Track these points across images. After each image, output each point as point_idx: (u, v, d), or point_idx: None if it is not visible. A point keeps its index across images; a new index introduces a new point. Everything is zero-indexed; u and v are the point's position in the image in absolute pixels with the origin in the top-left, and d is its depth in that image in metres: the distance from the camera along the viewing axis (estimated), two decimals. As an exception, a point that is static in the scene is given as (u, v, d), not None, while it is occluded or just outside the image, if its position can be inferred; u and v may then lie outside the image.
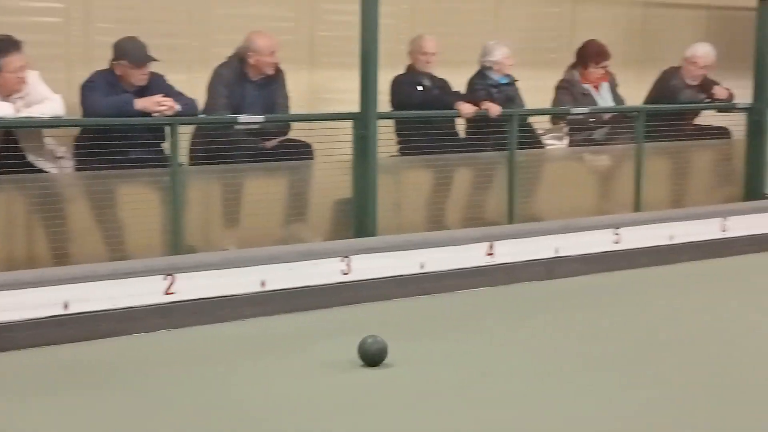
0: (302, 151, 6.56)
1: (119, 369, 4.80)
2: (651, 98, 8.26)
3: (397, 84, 7.22)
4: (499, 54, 7.46)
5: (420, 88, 7.20)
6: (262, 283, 5.77)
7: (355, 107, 6.48)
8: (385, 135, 6.81)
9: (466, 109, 7.04)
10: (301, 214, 6.51)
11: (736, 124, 8.26)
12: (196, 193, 6.19)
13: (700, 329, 5.56)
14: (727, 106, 8.25)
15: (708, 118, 8.42)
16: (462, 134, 7.43)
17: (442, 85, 7.34)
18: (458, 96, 7.22)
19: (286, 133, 6.67)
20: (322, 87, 7.64)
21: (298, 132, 6.68)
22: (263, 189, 6.35)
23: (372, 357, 4.74)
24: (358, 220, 6.50)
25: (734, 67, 8.38)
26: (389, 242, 6.35)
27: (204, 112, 6.45)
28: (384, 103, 6.94)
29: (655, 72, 8.36)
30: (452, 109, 7.06)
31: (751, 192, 8.18)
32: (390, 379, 4.63)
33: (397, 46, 7.74)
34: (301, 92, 7.39)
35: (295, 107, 6.91)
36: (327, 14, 7.63)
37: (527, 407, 4.27)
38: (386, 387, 4.53)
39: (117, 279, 5.38)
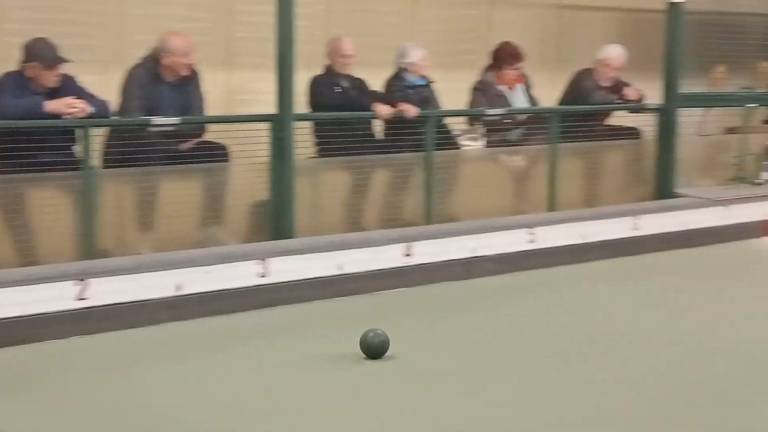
0: (218, 153, 6.50)
1: (30, 377, 4.70)
2: (564, 99, 8.39)
3: (315, 84, 7.21)
4: (415, 55, 7.51)
5: (338, 89, 7.21)
6: (178, 287, 5.71)
7: (271, 109, 6.45)
8: (303, 136, 6.80)
9: (383, 110, 7.06)
10: (217, 216, 6.46)
11: (646, 124, 8.44)
12: (109, 197, 6.10)
13: (613, 326, 5.67)
14: (637, 106, 8.42)
15: (620, 118, 8.58)
16: (379, 135, 7.46)
17: (360, 85, 7.35)
18: (376, 97, 7.24)
19: (201, 135, 6.61)
20: (238, 88, 7.60)
21: (214, 134, 6.62)
22: (179, 191, 6.29)
23: (375, 349, 4.85)
24: (275, 222, 6.48)
25: (644, 69, 8.55)
26: (307, 244, 6.34)
27: (117, 113, 6.35)
28: (302, 104, 6.93)
29: (568, 73, 8.50)
30: (370, 110, 7.08)
31: (661, 191, 8.36)
32: (309, 382, 4.63)
33: (313, 47, 7.73)
34: (218, 94, 7.34)
35: (212, 109, 6.85)
36: (243, 15, 7.59)
37: (446, 407, 4.30)
38: (306, 389, 4.52)
39: (28, 285, 5.27)
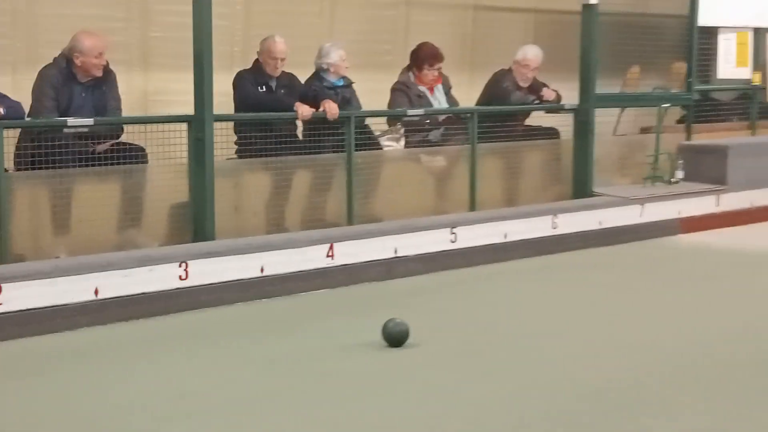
0: (135, 155, 6.39)
1: (-58, 386, 4.56)
2: (483, 100, 8.46)
3: (240, 81, 7.12)
4: (335, 56, 7.48)
5: (263, 89, 7.13)
6: (96, 291, 5.59)
7: (190, 109, 6.37)
8: (223, 137, 6.72)
9: (305, 111, 7.02)
10: (135, 219, 6.35)
11: (564, 124, 8.55)
12: (23, 200, 5.95)
13: (532, 324, 5.72)
14: (555, 107, 8.53)
15: (538, 118, 8.68)
16: (300, 136, 7.41)
17: (287, 85, 7.27)
18: (297, 98, 7.18)
19: (118, 137, 6.49)
20: (155, 89, 7.48)
21: (131, 135, 6.51)
22: (95, 194, 6.16)
23: (396, 338, 5.08)
24: (195, 224, 6.39)
25: (561, 69, 8.68)
26: (228, 246, 6.26)
27: (30, 115, 6.20)
28: (221, 105, 6.84)
29: (485, 74, 8.57)
30: (293, 110, 7.03)
31: (579, 190, 8.48)
32: (228, 382, 4.57)
33: (231, 47, 7.67)
34: (134, 94, 7.22)
35: (129, 110, 6.73)
36: (159, 15, 7.47)
37: (368, 406, 4.29)
38: (225, 390, 4.46)
39: (-62, 291, 5.11)
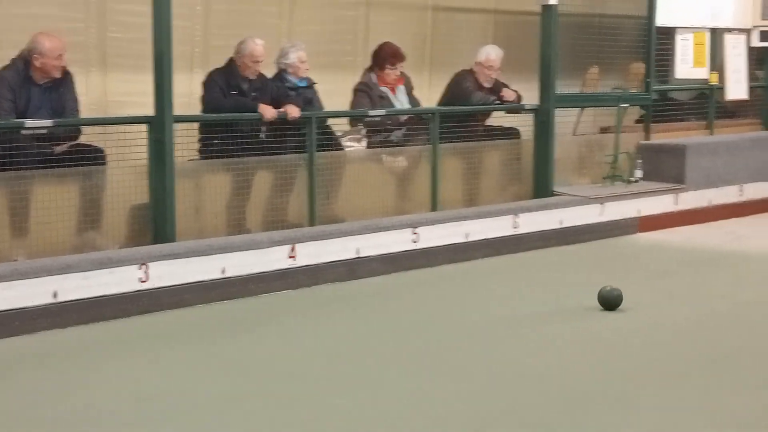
0: (94, 156, 6.33)
1: None
2: (444, 100, 8.48)
3: (211, 82, 7.05)
4: (293, 57, 7.47)
5: (234, 92, 7.08)
6: (55, 294, 5.54)
7: (150, 110, 6.32)
8: (185, 138, 6.68)
9: (268, 112, 7.00)
10: (95, 221, 6.29)
11: (524, 124, 8.60)
12: (-20, 202, 5.87)
13: (495, 323, 5.75)
14: (515, 107, 8.57)
15: (499, 119, 8.72)
16: (262, 137, 7.37)
17: (260, 88, 7.22)
18: (268, 100, 7.14)
19: (76, 138, 6.43)
20: (115, 90, 7.41)
21: (90, 136, 6.45)
22: (54, 196, 6.09)
23: (613, 301, 5.87)
24: (155, 225, 6.35)
25: (521, 70, 8.72)
26: (189, 248, 6.23)
27: (-13, 116, 6.12)
28: (181, 105, 6.81)
29: (445, 75, 8.59)
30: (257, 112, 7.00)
31: (539, 190, 8.53)
32: (190, 385, 4.55)
33: (192, 47, 7.63)
34: (93, 96, 7.16)
35: (88, 111, 6.66)
36: (118, 15, 7.41)
37: (330, 407, 4.29)
38: (187, 393, 4.44)
39: None
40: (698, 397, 4.40)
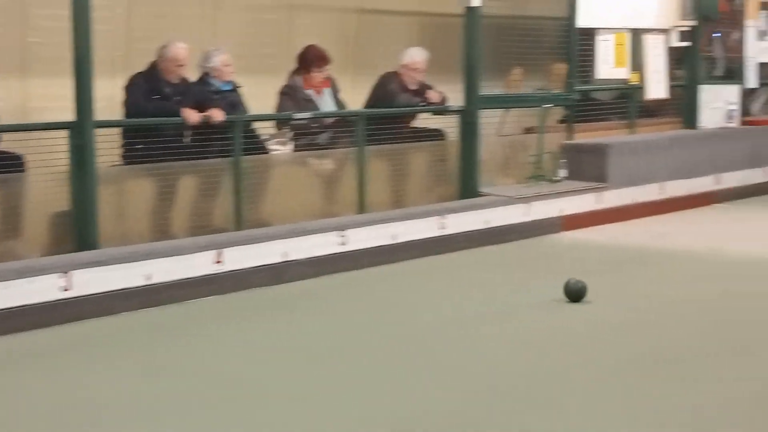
0: (13, 163, 6.21)
1: None
2: (370, 103, 8.50)
3: (133, 86, 6.96)
4: (217, 60, 7.43)
5: (156, 96, 7.00)
6: (-25, 305, 5.44)
7: (70, 116, 6.23)
8: (107, 143, 6.60)
9: (192, 116, 6.94)
10: (15, 229, 6.17)
11: (450, 125, 8.66)
12: None
13: (421, 324, 5.79)
14: (441, 109, 8.63)
15: (425, 120, 8.77)
16: (187, 141, 7.30)
17: (184, 92, 7.15)
18: (191, 104, 7.08)
19: (-6, 145, 6.31)
20: (34, 95, 7.28)
21: (8, 143, 6.33)
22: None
23: (576, 293, 6.11)
24: (78, 232, 6.26)
25: (445, 72, 8.78)
26: (112, 255, 6.15)
27: None
28: (103, 110, 6.71)
29: (369, 77, 8.61)
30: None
31: (465, 190, 8.59)
32: (117, 394, 4.50)
33: (113, 52, 7.52)
34: (12, 101, 7.02)
35: (7, 117, 6.54)
36: (37, 20, 7.28)
37: (259, 412, 4.28)
38: (114, 402, 4.39)
39: None
40: (623, 397, 4.47)
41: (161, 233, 6.79)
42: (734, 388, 4.55)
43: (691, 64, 10.72)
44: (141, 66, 7.13)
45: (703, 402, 4.38)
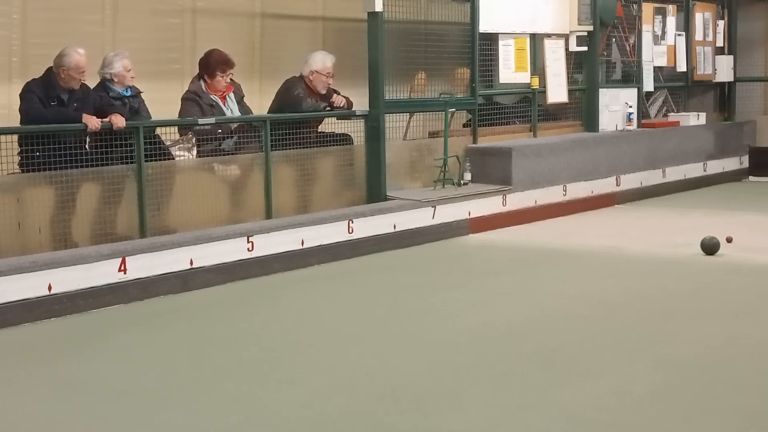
0: None
1: None
2: (275, 107, 8.44)
3: (28, 93, 6.76)
4: (119, 66, 7.28)
5: (54, 102, 6.81)
6: None
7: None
8: (4, 151, 6.42)
9: (92, 122, 6.79)
10: None
11: (356, 130, 8.66)
12: None
13: (331, 328, 5.77)
14: (346, 113, 8.63)
15: (331, 125, 8.75)
16: (87, 148, 7.14)
17: (81, 98, 6.97)
18: (90, 110, 6.92)
19: None
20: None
21: None
22: None
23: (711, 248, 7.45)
24: (-25, 243, 6.06)
25: (351, 76, 8.79)
26: (11, 264, 5.98)
27: None
28: (0, 117, 6.52)
29: (275, 82, 8.56)
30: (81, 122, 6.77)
31: (373, 195, 8.61)
32: (16, 407, 4.37)
33: (9, 58, 7.33)
34: None
35: None
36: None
37: (164, 422, 4.20)
38: (12, 416, 4.25)
39: None
40: (526, 392, 4.52)
41: (62, 242, 6.62)
42: (631, 381, 4.64)
43: (590, 68, 10.94)
44: (38, 72, 6.93)
45: (601, 394, 4.45)
